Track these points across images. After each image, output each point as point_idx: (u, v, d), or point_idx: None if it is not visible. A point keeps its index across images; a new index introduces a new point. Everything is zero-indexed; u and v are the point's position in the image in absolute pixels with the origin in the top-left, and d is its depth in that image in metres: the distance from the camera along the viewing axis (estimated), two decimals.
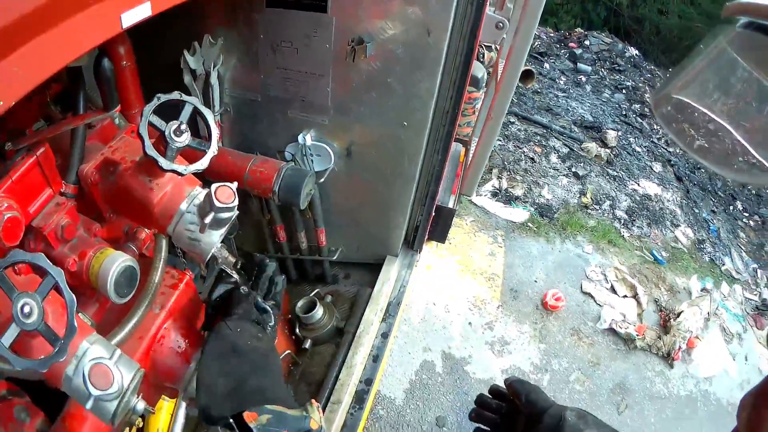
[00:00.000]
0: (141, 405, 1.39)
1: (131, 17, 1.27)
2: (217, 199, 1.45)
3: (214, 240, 1.59)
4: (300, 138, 2.75)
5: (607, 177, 7.29)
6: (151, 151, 1.43)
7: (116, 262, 1.47)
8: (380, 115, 2.59)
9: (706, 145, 0.98)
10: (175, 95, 1.52)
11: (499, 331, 5.12)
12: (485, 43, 3.81)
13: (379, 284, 3.20)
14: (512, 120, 7.78)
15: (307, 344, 3.04)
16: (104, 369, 1.24)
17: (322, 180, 2.86)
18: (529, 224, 6.24)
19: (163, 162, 1.44)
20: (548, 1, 2.93)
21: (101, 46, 1.41)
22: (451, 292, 5.34)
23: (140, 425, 2.61)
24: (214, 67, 2.66)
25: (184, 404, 2.58)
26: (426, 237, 3.29)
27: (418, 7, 2.23)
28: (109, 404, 1.28)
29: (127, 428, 2.30)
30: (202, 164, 1.52)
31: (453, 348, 4.91)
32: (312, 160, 2.81)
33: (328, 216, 3.11)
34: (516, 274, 5.67)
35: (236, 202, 1.51)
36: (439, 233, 3.40)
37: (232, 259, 1.88)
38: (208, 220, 1.49)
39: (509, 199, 6.48)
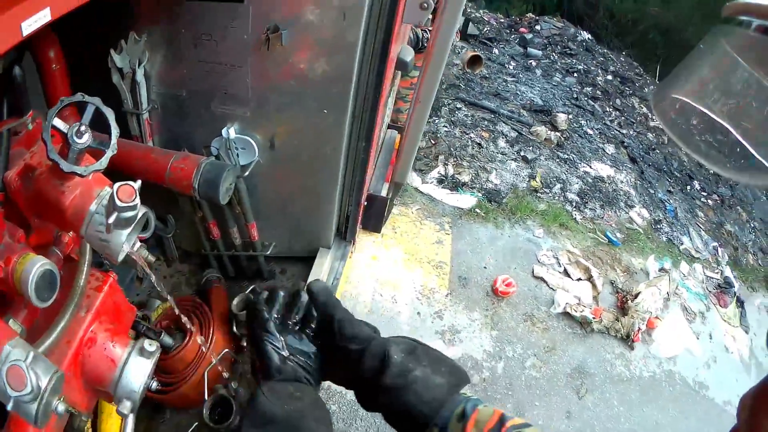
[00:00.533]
0: (62, 407, 1.45)
1: (32, 24, 1.36)
2: (118, 198, 1.51)
3: (121, 240, 1.63)
4: (224, 132, 2.82)
5: (558, 160, 7.41)
6: (53, 155, 1.50)
7: (35, 266, 1.54)
8: (300, 104, 2.67)
9: (707, 145, 0.98)
10: (77, 96, 1.56)
11: (449, 320, 5.16)
12: (416, 27, 3.90)
13: (311, 277, 3.25)
14: (459, 106, 7.86)
15: (245, 342, 3.13)
16: (18, 371, 1.32)
17: (247, 173, 2.92)
18: (477, 210, 6.31)
19: (64, 164, 1.51)
20: None
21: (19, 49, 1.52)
22: (398, 282, 5.34)
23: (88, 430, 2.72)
24: (139, 65, 2.72)
25: (131, 418, 2.67)
26: (359, 227, 3.35)
27: None
28: (29, 405, 1.36)
29: None
30: (101, 164, 1.58)
31: (400, 334, 4.91)
32: (237, 154, 2.87)
33: (258, 210, 3.18)
34: (464, 261, 5.73)
35: (137, 201, 1.55)
36: (374, 223, 3.54)
37: (152, 259, 1.95)
38: (111, 220, 1.55)
39: (456, 186, 6.56)
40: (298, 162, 2.93)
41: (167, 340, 2.98)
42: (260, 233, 3.30)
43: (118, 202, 1.51)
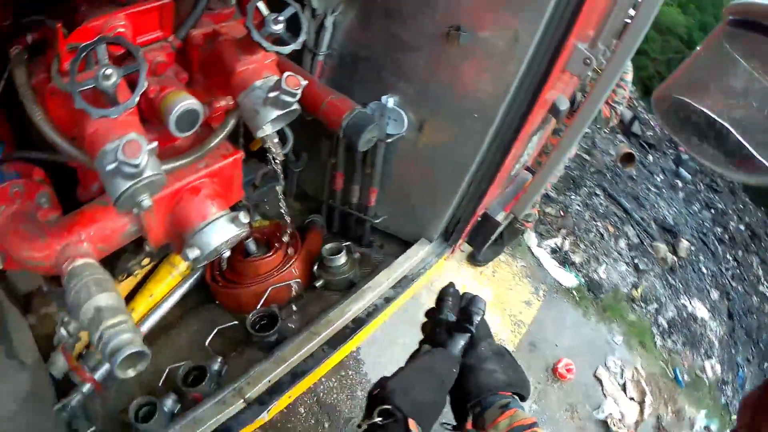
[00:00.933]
0: (147, 203, 1.64)
1: None
2: (285, 83, 1.75)
3: (269, 115, 1.85)
4: (383, 99, 3.00)
5: (664, 282, 7.29)
6: (250, 23, 1.76)
7: (184, 100, 1.75)
8: (455, 100, 2.83)
9: (706, 144, 1.03)
10: None
11: None
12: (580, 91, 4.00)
13: (403, 257, 3.40)
14: (598, 193, 7.89)
15: (318, 284, 3.27)
16: (137, 145, 1.50)
17: (390, 141, 3.09)
18: (573, 292, 6.26)
19: (255, 34, 1.76)
20: None
21: None
22: None
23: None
24: (332, 13, 2.97)
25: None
26: (464, 236, 3.44)
27: (514, 16, 2.47)
28: (122, 180, 1.55)
29: (126, 276, 2.60)
30: (285, 50, 1.83)
31: None
32: (387, 123, 3.03)
33: (383, 179, 3.33)
34: (541, 331, 5.69)
35: (299, 93, 1.79)
36: (479, 241, 3.52)
37: (280, 150, 2.16)
38: (272, 94, 1.77)
39: (565, 262, 6.54)
40: (436, 151, 3.07)
41: (252, 245, 3.28)
42: (377, 202, 3.44)
43: (284, 85, 1.74)
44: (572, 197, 7.47)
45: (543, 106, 2.82)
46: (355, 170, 3.37)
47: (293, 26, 1.85)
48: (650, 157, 9.25)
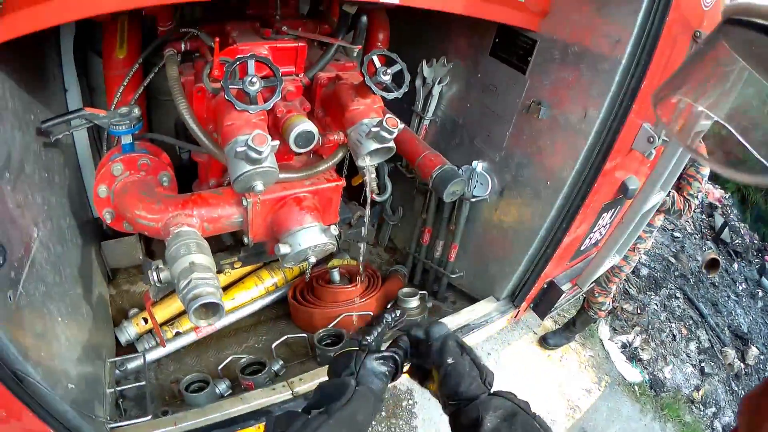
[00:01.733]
0: (260, 187, 2.05)
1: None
2: (386, 122, 2.16)
3: (370, 146, 2.25)
4: (474, 163, 3.35)
5: (727, 387, 7.08)
6: (366, 74, 2.23)
7: (303, 123, 2.16)
8: (534, 168, 3.12)
9: (706, 144, 1.01)
10: (394, 55, 2.33)
11: None
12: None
13: (469, 308, 3.65)
14: (678, 295, 7.82)
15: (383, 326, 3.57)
16: (264, 138, 1.91)
17: (474, 201, 3.42)
18: (635, 387, 6.18)
19: (369, 81, 2.21)
20: None
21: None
22: (532, 390, 5.36)
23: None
24: (438, 83, 3.45)
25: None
26: (529, 300, 3.64)
27: (584, 94, 2.77)
28: (245, 164, 1.98)
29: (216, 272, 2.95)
30: (389, 96, 2.27)
31: None
32: (474, 185, 3.35)
33: (465, 238, 3.66)
34: (595, 419, 5.63)
35: (396, 132, 2.20)
36: (543, 308, 3.72)
37: (375, 187, 2.57)
38: (375, 129, 2.19)
39: (633, 358, 6.51)
40: (511, 215, 3.40)
41: (336, 275, 3.68)
42: (456, 258, 3.76)
43: (385, 124, 2.17)
44: (652, 297, 7.46)
45: (610, 181, 3.04)
46: (439, 228, 3.71)
47: (398, 80, 2.28)
48: (735, 265, 9.08)
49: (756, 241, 9.69)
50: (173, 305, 3.52)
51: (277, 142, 1.99)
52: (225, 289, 3.57)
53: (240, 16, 2.83)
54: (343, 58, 2.74)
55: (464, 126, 3.46)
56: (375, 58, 2.24)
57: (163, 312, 3.46)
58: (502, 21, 2.72)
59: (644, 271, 7.46)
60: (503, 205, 3.39)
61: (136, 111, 2.46)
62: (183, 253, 2.07)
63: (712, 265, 7.79)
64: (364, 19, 2.65)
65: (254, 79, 2.00)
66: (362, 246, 2.94)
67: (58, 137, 2.56)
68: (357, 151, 2.29)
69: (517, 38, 2.96)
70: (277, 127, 2.20)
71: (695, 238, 8.96)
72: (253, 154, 1.92)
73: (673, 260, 8.10)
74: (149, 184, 2.52)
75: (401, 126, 2.17)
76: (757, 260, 9.45)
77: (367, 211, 2.79)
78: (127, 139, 2.47)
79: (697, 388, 6.71)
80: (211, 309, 2.00)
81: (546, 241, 3.25)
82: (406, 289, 3.65)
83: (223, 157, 2.22)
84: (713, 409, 6.65)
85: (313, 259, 2.42)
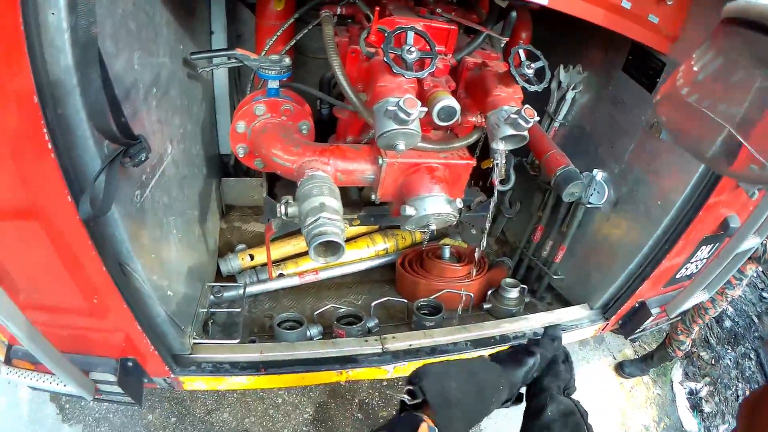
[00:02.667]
0: (401, 147, 2.16)
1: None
2: (524, 112, 2.22)
3: (507, 131, 2.31)
4: (594, 171, 3.40)
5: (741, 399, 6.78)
6: (511, 62, 2.30)
7: (449, 98, 2.23)
8: (649, 185, 3.17)
9: (707, 144, 1.03)
10: (538, 52, 2.38)
11: None
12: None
13: (563, 309, 3.74)
14: (752, 357, 7.41)
15: (486, 306, 3.74)
16: (415, 102, 2.02)
17: (589, 207, 3.47)
18: None
19: (515, 72, 2.28)
20: None
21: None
22: (596, 412, 4.77)
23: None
24: (572, 89, 3.51)
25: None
26: (618, 317, 3.68)
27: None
28: (392, 123, 2.08)
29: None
30: (531, 88, 2.33)
31: None
32: (591, 193, 3.39)
33: (573, 242, 3.72)
34: None
35: (532, 122, 2.26)
36: (629, 327, 3.76)
37: (503, 173, 2.64)
38: (513, 116, 2.26)
39: (695, 407, 6.31)
40: (621, 228, 3.43)
41: (447, 252, 3.84)
42: (561, 260, 3.84)
43: (523, 113, 2.23)
44: (728, 351, 7.20)
45: (714, 214, 3.08)
46: (551, 228, 3.79)
47: (540, 76, 2.35)
48: None
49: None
50: (282, 248, 3.74)
51: (424, 109, 2.09)
52: None
53: None
54: (488, 48, 2.82)
55: (590, 134, 3.51)
56: (521, 52, 2.31)
57: (272, 252, 3.63)
58: (636, 38, 2.75)
59: (727, 323, 7.30)
60: (614, 217, 3.43)
61: (287, 60, 2.60)
62: (315, 194, 2.17)
63: None
64: (515, 14, 2.75)
65: (412, 48, 2.11)
66: (485, 230, 2.99)
67: (204, 69, 2.80)
68: (494, 134, 2.36)
69: (649, 58, 2.98)
70: (422, 99, 2.26)
71: None
72: (402, 115, 2.02)
73: (756, 320, 7.91)
74: (288, 128, 2.67)
75: (536, 117, 2.23)
76: None
77: (495, 197, 2.89)
78: (273, 84, 2.62)
79: None
80: (331, 249, 2.10)
81: (647, 260, 3.27)
82: (509, 279, 3.74)
83: (368, 114, 2.35)
84: None
85: (433, 227, 2.51)
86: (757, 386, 7.14)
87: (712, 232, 3.21)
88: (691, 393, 6.42)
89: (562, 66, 3.46)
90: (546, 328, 1.94)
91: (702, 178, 2.84)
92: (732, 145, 0.96)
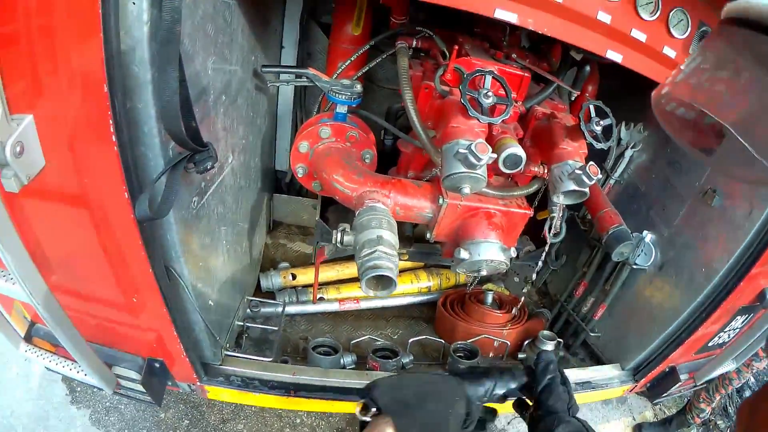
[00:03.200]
0: (467, 190, 2.14)
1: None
2: (589, 168, 2.20)
3: (569, 186, 2.30)
4: (644, 233, 3.37)
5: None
6: (581, 116, 2.28)
7: (516, 147, 2.24)
8: (696, 252, 3.12)
9: (706, 144, 1.03)
10: (607, 109, 2.35)
11: None
12: None
13: (595, 367, 3.70)
14: None
15: (521, 356, 3.69)
16: (487, 148, 2.01)
17: (635, 268, 3.42)
18: None
19: (582, 125, 2.27)
20: None
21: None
22: None
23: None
24: (632, 147, 3.46)
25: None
26: (647, 380, 3.65)
27: (752, 191, 2.78)
28: (461, 165, 2.07)
29: None
30: (597, 146, 2.31)
31: None
32: (638, 254, 3.36)
33: (614, 301, 3.65)
34: None
35: (595, 179, 2.23)
36: (657, 391, 3.73)
37: (558, 226, 2.69)
38: (578, 172, 2.24)
39: None
40: (663, 291, 3.34)
41: (489, 298, 3.78)
42: (601, 318, 3.77)
43: (588, 170, 2.22)
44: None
45: (753, 285, 3.04)
46: (596, 284, 3.72)
47: (607, 133, 2.33)
48: None
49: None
50: (326, 272, 3.71)
51: (494, 155, 2.07)
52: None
53: (468, 31, 2.98)
54: (556, 98, 2.82)
55: (644, 194, 3.48)
56: (591, 108, 2.30)
57: (308, 276, 3.64)
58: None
59: (747, 393, 7.20)
60: (657, 280, 3.40)
61: (359, 87, 2.59)
62: (374, 226, 2.17)
63: None
64: (588, 68, 2.77)
65: (490, 93, 2.10)
66: (530, 280, 3.00)
67: (274, 84, 2.85)
68: (556, 187, 2.35)
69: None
70: (490, 143, 2.24)
71: None
72: (472, 159, 2.00)
73: None
74: (351, 155, 2.66)
75: (601, 176, 2.21)
76: None
77: (547, 247, 2.91)
78: (342, 109, 2.61)
79: None
80: (383, 283, 2.09)
81: (684, 326, 3.25)
82: (546, 332, 3.68)
83: (434, 152, 2.34)
84: None
85: (484, 272, 2.48)
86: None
87: (749, 303, 3.18)
88: (705, 423, 6.27)
89: (624, 123, 3.43)
90: (539, 352, 1.93)
91: (747, 248, 2.82)
92: (733, 145, 0.94)
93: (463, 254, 2.36)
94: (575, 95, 2.88)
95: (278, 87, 3.44)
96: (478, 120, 2.09)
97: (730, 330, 3.44)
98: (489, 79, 2.13)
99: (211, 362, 2.76)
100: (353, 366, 3.19)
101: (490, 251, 2.38)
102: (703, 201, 3.03)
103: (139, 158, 1.73)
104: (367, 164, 2.76)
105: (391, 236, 2.18)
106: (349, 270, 3.79)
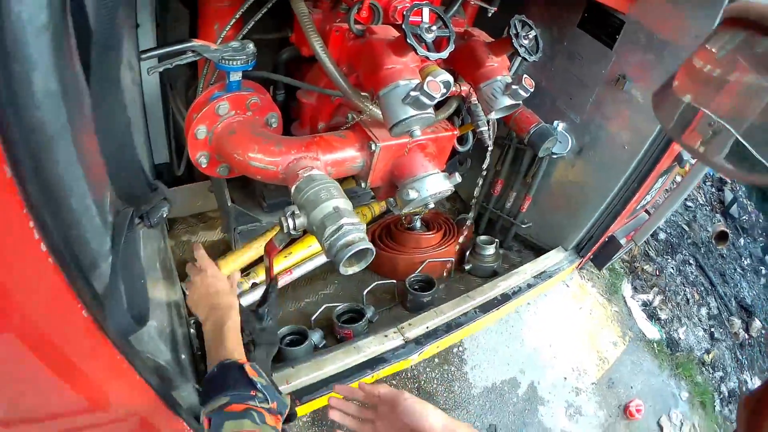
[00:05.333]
0: (418, 132, 2.00)
1: None
2: (524, 81, 2.08)
3: (505, 102, 2.22)
4: (555, 123, 3.41)
5: (733, 355, 7.23)
6: (513, 40, 2.22)
7: (441, 73, 1.94)
8: (614, 133, 3.27)
9: (706, 144, 0.99)
10: (530, 22, 2.30)
11: (581, 401, 5.28)
12: None
13: (544, 256, 3.81)
14: (691, 262, 7.92)
15: (468, 267, 3.69)
16: (438, 85, 1.82)
17: (554, 158, 3.50)
18: (654, 344, 6.32)
19: (515, 42, 2.20)
20: None
21: None
22: (566, 347, 5.59)
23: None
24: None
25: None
26: (591, 253, 3.78)
27: (665, 76, 2.70)
28: (411, 109, 1.87)
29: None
30: (530, 59, 2.25)
31: (541, 384, 5.17)
32: (554, 143, 3.29)
33: (538, 191, 3.73)
34: (620, 371, 5.77)
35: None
36: (601, 259, 3.88)
37: (492, 138, 2.53)
38: (514, 87, 2.15)
39: (652, 317, 6.65)
40: (587, 173, 3.52)
41: (417, 222, 3.67)
42: (527, 210, 3.85)
43: (523, 82, 2.18)
44: (668, 260, 7.58)
45: (672, 153, 3.19)
46: (512, 179, 3.78)
47: (534, 46, 2.28)
48: (741, 240, 9.07)
49: (761, 221, 9.73)
50: (246, 254, 3.25)
51: (446, 91, 1.88)
52: (299, 237, 3.39)
53: None
54: (457, 15, 2.69)
55: (546, 88, 3.50)
56: (516, 22, 2.24)
57: (234, 264, 3.19)
58: None
59: (662, 235, 7.68)
60: (580, 164, 3.48)
61: (251, 46, 2.17)
62: (325, 198, 1.87)
63: (721, 237, 8.08)
64: None
65: (432, 27, 1.88)
66: (477, 194, 3.02)
67: (157, 69, 2.21)
68: (490, 105, 2.23)
69: (606, 17, 3.05)
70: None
71: (706, 210, 9.01)
72: (425, 100, 1.81)
73: (686, 228, 8.11)
74: (256, 125, 2.31)
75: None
76: (761, 239, 9.47)
77: (486, 164, 2.87)
78: (236, 76, 2.20)
79: (708, 352, 6.87)
80: (357, 256, 1.83)
81: (617, 199, 3.40)
82: (483, 237, 3.70)
83: (356, 98, 2.11)
84: (720, 373, 6.82)
85: (432, 205, 2.30)
86: (702, 291, 7.56)
87: (668, 167, 3.40)
88: (645, 305, 6.73)
89: (516, 17, 3.28)
90: None
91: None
92: (733, 145, 0.91)
93: (412, 194, 2.15)
94: (492, 11, 2.74)
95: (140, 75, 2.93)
96: (428, 58, 1.86)
97: (653, 191, 3.66)
98: (427, 11, 1.91)
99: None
100: (323, 341, 3.01)
101: (436, 183, 2.20)
102: (612, 87, 3.12)
103: (80, 248, 1.12)
104: (274, 128, 2.41)
105: (346, 202, 1.91)
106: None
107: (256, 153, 2.09)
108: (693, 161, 3.30)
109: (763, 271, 8.81)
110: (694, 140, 1.00)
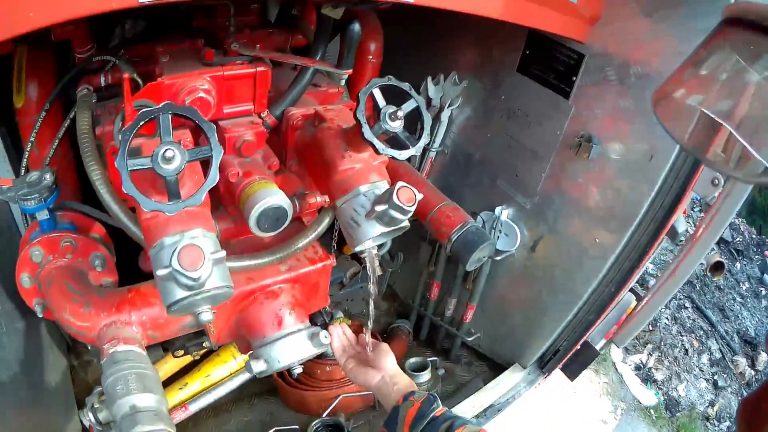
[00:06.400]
0: (207, 317, 1.37)
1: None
2: (397, 197, 1.40)
3: (371, 232, 1.51)
4: (497, 210, 2.72)
5: (740, 398, 6.61)
6: (361, 116, 1.41)
7: (271, 197, 1.44)
8: (578, 220, 2.51)
9: (705, 143, 0.98)
10: (406, 86, 1.53)
11: None
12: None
13: (493, 383, 3.04)
14: (687, 305, 7.51)
15: None
16: (198, 254, 1.17)
17: (498, 259, 2.79)
18: (651, 411, 5.85)
19: (367, 131, 1.42)
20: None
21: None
22: (549, 427, 4.94)
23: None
24: (449, 106, 2.74)
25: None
26: (560, 365, 3.06)
27: (650, 128, 2.13)
28: (177, 288, 1.22)
29: (183, 354, 2.28)
30: (402, 155, 1.49)
31: None
32: (498, 237, 2.71)
33: (484, 296, 3.01)
34: None
35: (413, 209, 1.44)
36: (573, 368, 3.11)
37: (379, 272, 1.76)
38: (379, 208, 1.43)
39: (648, 379, 6.21)
40: (546, 274, 2.75)
41: (329, 350, 2.92)
42: (472, 318, 3.12)
43: (395, 200, 1.40)
44: (662, 311, 7.08)
45: (665, 230, 2.44)
46: (453, 282, 3.07)
47: (412, 124, 1.53)
48: (738, 265, 8.85)
49: (754, 236, 9.81)
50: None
51: (223, 254, 1.29)
52: (197, 363, 2.91)
53: (186, 31, 1.92)
54: (324, 82, 1.98)
55: (482, 162, 2.79)
56: (376, 92, 1.46)
57: None
58: (546, 29, 2.07)
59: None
60: (535, 263, 2.75)
61: (48, 177, 1.70)
62: (121, 393, 1.41)
63: (717, 267, 7.68)
64: (357, 26, 1.79)
65: (170, 152, 1.17)
66: (369, 321, 2.16)
67: None
68: (353, 235, 1.55)
69: (555, 50, 2.30)
70: (231, 196, 1.52)
71: None
72: (185, 280, 1.20)
73: None
74: (79, 270, 1.83)
75: (420, 197, 1.42)
76: (757, 256, 9.29)
77: (372, 292, 1.88)
78: (42, 215, 1.75)
79: (711, 404, 6.44)
80: None
81: (589, 306, 2.69)
82: (413, 360, 3.02)
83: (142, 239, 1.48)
84: (728, 423, 6.39)
85: (299, 369, 1.75)
86: (701, 335, 7.21)
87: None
88: (638, 367, 6.31)
89: (429, 78, 2.72)
90: None
91: (656, 196, 2.27)
92: (731, 144, 0.92)
93: (257, 367, 1.62)
94: (345, 76, 1.97)
95: None
96: (164, 211, 1.24)
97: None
98: (167, 120, 1.21)
99: None
100: None
101: (293, 348, 1.66)
102: (573, 154, 2.36)
103: None
104: (102, 271, 1.89)
105: (148, 398, 1.42)
106: (162, 372, 2.88)
107: (69, 315, 1.63)
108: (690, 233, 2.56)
109: (763, 292, 8.64)
110: (694, 139, 1.01)
